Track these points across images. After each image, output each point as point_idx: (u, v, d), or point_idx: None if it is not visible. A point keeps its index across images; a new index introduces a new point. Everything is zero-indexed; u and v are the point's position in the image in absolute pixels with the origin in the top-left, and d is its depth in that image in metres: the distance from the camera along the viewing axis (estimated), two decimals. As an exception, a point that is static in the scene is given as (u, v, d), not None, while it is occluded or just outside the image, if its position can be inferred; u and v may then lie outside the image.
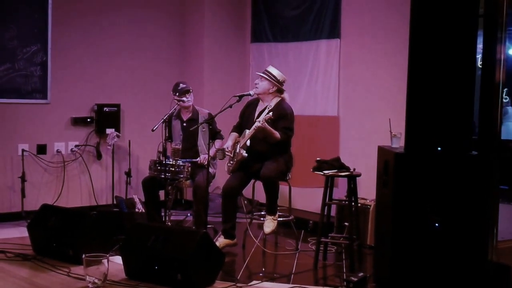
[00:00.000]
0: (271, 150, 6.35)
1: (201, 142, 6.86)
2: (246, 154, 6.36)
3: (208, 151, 6.36)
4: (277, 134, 6.24)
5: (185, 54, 8.87)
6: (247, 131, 6.40)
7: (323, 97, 7.87)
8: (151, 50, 8.60)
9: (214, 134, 7.01)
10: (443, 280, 4.87)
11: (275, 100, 6.42)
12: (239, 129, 6.68)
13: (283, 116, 6.35)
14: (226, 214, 6.48)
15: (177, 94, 6.93)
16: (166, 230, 5.43)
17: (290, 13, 8.24)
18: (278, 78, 6.47)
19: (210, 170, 6.71)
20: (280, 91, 6.51)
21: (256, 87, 6.49)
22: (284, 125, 6.33)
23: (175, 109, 6.88)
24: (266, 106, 6.40)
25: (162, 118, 6.47)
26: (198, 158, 6.84)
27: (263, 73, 6.50)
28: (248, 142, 6.39)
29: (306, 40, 8.06)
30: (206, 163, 6.44)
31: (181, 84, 7.01)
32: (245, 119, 6.61)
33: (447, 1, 4.80)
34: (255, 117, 6.44)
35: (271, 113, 6.19)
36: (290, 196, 6.78)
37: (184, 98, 6.91)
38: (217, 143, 6.96)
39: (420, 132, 4.88)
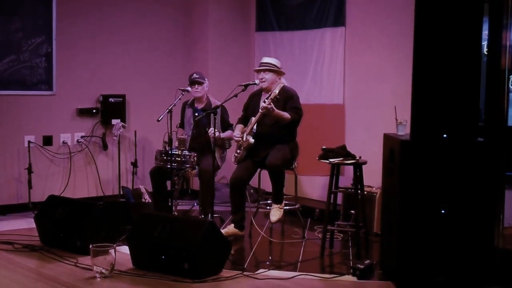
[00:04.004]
0: (278, 136, 6.37)
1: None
2: (253, 140, 6.37)
3: (214, 143, 6.36)
4: (287, 115, 6.25)
5: (190, 44, 8.86)
6: (253, 118, 6.41)
7: (328, 85, 7.86)
8: (156, 41, 8.59)
9: (226, 127, 7.01)
10: (450, 266, 4.88)
11: (278, 86, 6.41)
12: (244, 121, 6.68)
13: (289, 98, 6.39)
14: (234, 205, 6.50)
15: (188, 83, 6.96)
16: (173, 220, 5.44)
17: (295, 1, 8.21)
18: (278, 66, 6.52)
19: (217, 161, 6.72)
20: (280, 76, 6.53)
21: (263, 81, 6.47)
22: (292, 105, 6.36)
23: (180, 99, 6.87)
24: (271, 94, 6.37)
25: (167, 108, 6.48)
26: (208, 131, 6.82)
27: (264, 66, 6.48)
28: (255, 128, 6.40)
29: (311, 28, 8.03)
30: (213, 136, 6.42)
31: (194, 74, 7.06)
32: (250, 111, 6.61)
33: (452, -12, 4.80)
34: (261, 106, 6.45)
35: (276, 91, 6.21)
36: (296, 184, 6.78)
37: (188, 88, 6.94)
38: (227, 133, 6.96)
39: (426, 119, 4.86)
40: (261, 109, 6.20)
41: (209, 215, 6.29)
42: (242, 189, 6.49)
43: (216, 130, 6.51)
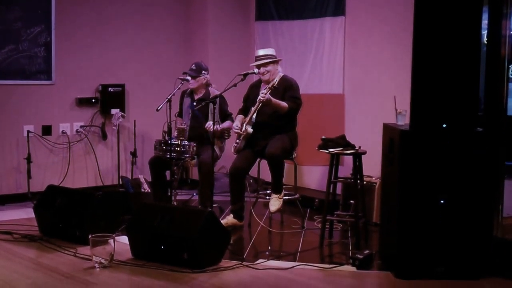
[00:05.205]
0: (278, 125, 6.36)
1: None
2: (252, 130, 6.37)
3: (213, 131, 6.35)
4: (284, 104, 6.25)
5: (189, 33, 8.83)
6: (252, 108, 6.40)
7: (328, 75, 7.84)
8: (156, 30, 8.56)
9: (225, 117, 6.99)
10: (449, 256, 4.89)
11: (278, 76, 6.40)
12: (244, 112, 6.67)
13: (289, 87, 6.38)
14: (234, 195, 6.49)
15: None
16: (172, 210, 5.46)
17: (295, -10, 8.21)
18: (275, 54, 6.52)
19: (216, 151, 6.71)
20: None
21: (265, 75, 6.44)
22: (291, 95, 6.35)
23: (179, 88, 6.85)
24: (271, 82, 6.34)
25: (167, 98, 6.45)
26: (206, 125, 6.79)
27: (263, 58, 6.45)
28: (254, 118, 6.39)
29: (311, 18, 8.00)
30: (212, 129, 6.41)
31: (192, 66, 7.01)
32: (250, 101, 6.59)
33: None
34: (260, 97, 6.43)
35: (275, 80, 6.21)
36: (295, 174, 6.78)
37: (188, 77, 6.91)
38: (226, 124, 6.94)
39: (425, 109, 4.86)
40: (258, 101, 6.20)
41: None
42: (241, 179, 6.48)
43: (216, 121, 6.52)
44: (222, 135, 6.92)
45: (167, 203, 6.63)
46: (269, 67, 6.44)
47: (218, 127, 6.74)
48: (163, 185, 6.87)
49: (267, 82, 6.42)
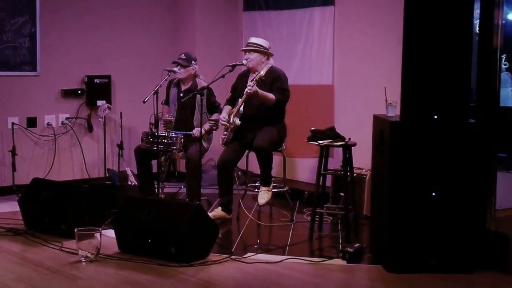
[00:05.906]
0: (266, 117, 6.30)
1: (198, 116, 6.74)
2: (239, 122, 6.31)
3: (201, 123, 6.27)
4: (271, 96, 6.20)
5: (176, 24, 8.76)
6: (240, 100, 6.34)
7: (317, 65, 7.79)
8: (142, 21, 8.48)
9: (213, 108, 6.92)
10: (441, 249, 4.86)
11: (266, 67, 6.33)
12: (232, 102, 6.61)
13: (276, 78, 6.32)
14: (222, 188, 6.46)
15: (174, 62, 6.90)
16: (160, 203, 5.42)
17: (283, -21, 8.14)
18: (265, 46, 6.44)
19: (204, 144, 6.64)
20: (268, 57, 6.45)
21: (248, 61, 6.39)
22: (278, 86, 6.30)
23: (166, 80, 6.77)
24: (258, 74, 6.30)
25: (153, 90, 6.38)
26: (192, 131, 6.75)
27: (250, 46, 6.41)
28: (242, 110, 6.33)
29: (299, 7, 7.94)
30: (199, 136, 6.38)
31: (182, 55, 6.94)
32: (238, 92, 6.54)
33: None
34: (248, 87, 6.37)
35: (262, 72, 6.13)
36: (284, 166, 6.72)
37: (175, 69, 6.84)
38: (214, 116, 6.87)
39: (416, 100, 4.83)
40: (245, 94, 6.15)
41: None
42: (229, 171, 6.44)
43: (203, 112, 6.45)
44: (210, 128, 6.85)
45: (154, 196, 6.57)
46: (253, 55, 6.38)
47: (205, 127, 6.65)
48: (150, 177, 6.81)
49: (253, 71, 6.36)
